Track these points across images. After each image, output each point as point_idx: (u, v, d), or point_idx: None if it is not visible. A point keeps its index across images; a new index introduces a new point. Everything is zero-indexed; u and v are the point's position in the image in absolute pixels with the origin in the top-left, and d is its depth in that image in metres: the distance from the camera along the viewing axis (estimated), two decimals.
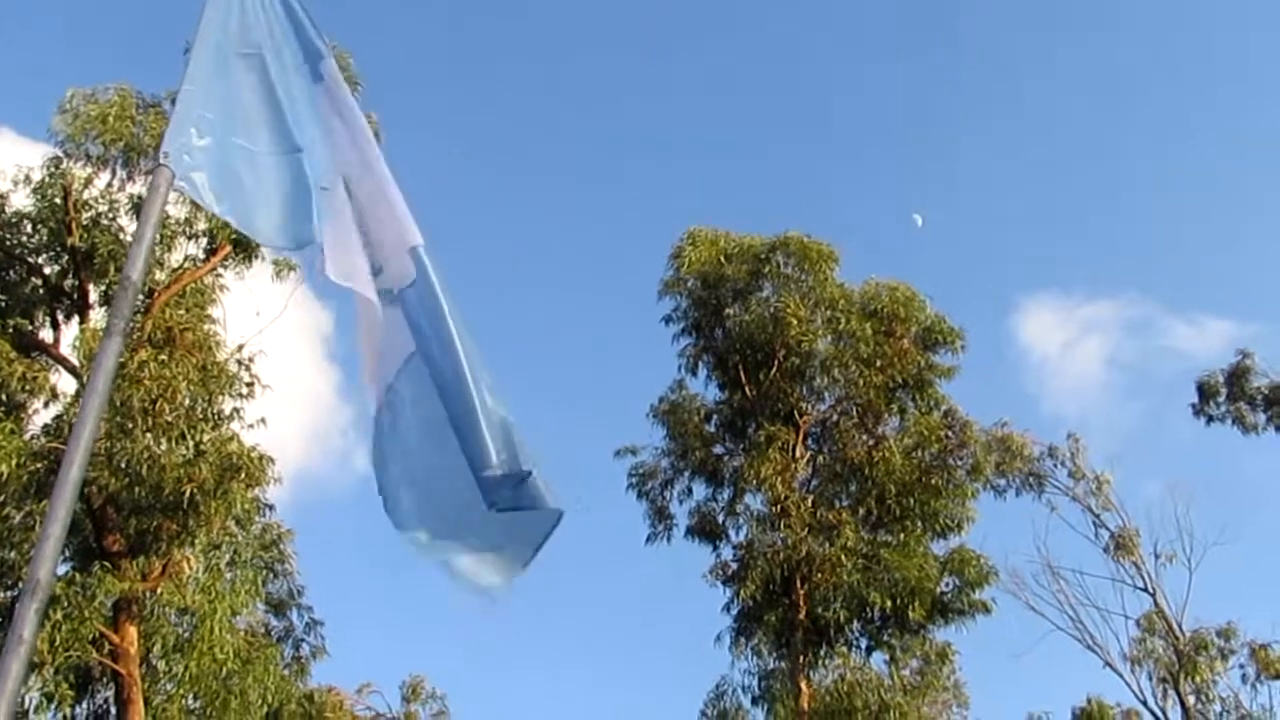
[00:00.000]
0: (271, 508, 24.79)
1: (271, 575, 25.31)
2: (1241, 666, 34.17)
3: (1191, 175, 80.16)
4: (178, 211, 22.11)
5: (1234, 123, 77.87)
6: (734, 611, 24.41)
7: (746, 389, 26.33)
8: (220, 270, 23.25)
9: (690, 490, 26.66)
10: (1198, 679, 33.92)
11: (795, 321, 25.49)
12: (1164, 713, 34.65)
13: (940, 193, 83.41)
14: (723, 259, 26.94)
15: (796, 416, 26.11)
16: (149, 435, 19.59)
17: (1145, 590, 35.87)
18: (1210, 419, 39.46)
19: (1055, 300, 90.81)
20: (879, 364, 25.50)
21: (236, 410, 24.03)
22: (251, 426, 23.87)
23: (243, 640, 20.99)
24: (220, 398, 22.30)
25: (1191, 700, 34.34)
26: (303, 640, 26.08)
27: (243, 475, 22.82)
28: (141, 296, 22.27)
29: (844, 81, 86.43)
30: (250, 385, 22.74)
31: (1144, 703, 35.01)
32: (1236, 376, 39.12)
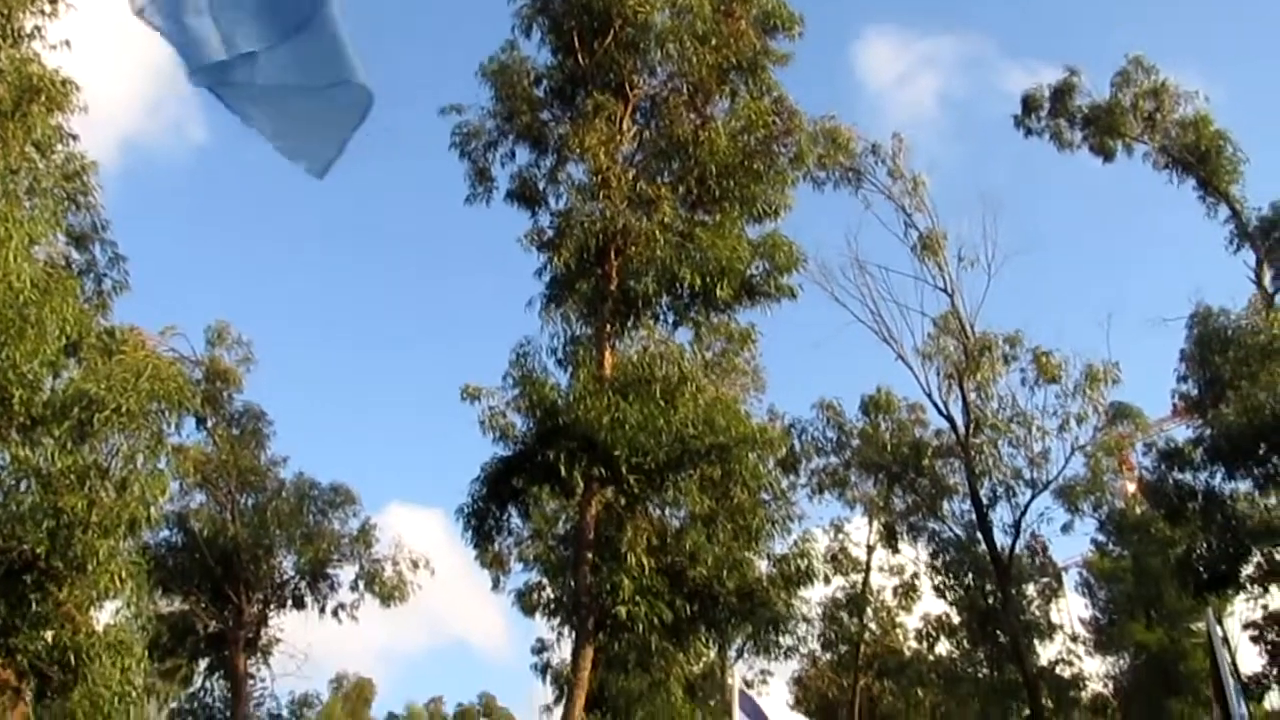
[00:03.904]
0: (75, 137, 23.80)
1: (74, 207, 24.50)
2: (1022, 370, 36.26)
3: None
4: None
5: None
6: (546, 278, 24.59)
7: (580, 56, 25.74)
8: None
9: (513, 154, 26.37)
10: (980, 377, 35.93)
11: None
12: (946, 406, 36.82)
13: None
14: None
15: (627, 89, 25.74)
16: None
17: (945, 291, 37.47)
18: (1030, 132, 40.46)
19: (896, 31, 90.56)
20: (714, 42, 25.10)
21: (38, 29, 22.66)
22: (54, 48, 22.60)
23: (41, 270, 20.34)
24: (20, 14, 20.95)
25: (973, 397, 36.46)
26: (105, 275, 25.56)
27: (43, 98, 21.73)
28: None
29: None
30: (54, 2, 21.38)
31: (929, 396, 37.10)
32: (1062, 93, 39.93)
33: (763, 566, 25.44)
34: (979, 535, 36.81)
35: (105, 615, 19.31)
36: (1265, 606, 29.87)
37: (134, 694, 18.23)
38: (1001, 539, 36.13)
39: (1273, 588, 29.44)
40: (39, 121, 20.72)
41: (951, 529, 39.71)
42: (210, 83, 4.63)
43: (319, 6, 4.43)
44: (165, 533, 35.61)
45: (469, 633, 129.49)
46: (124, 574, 18.36)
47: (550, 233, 24.76)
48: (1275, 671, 29.20)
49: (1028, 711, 36.85)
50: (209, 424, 36.94)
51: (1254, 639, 30.05)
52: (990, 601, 38.49)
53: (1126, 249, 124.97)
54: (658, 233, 23.25)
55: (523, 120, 25.91)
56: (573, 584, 24.77)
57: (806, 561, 25.99)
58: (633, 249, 23.69)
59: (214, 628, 36.69)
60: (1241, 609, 31.71)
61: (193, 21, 4.55)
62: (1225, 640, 21.34)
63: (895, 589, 45.53)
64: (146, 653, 19.16)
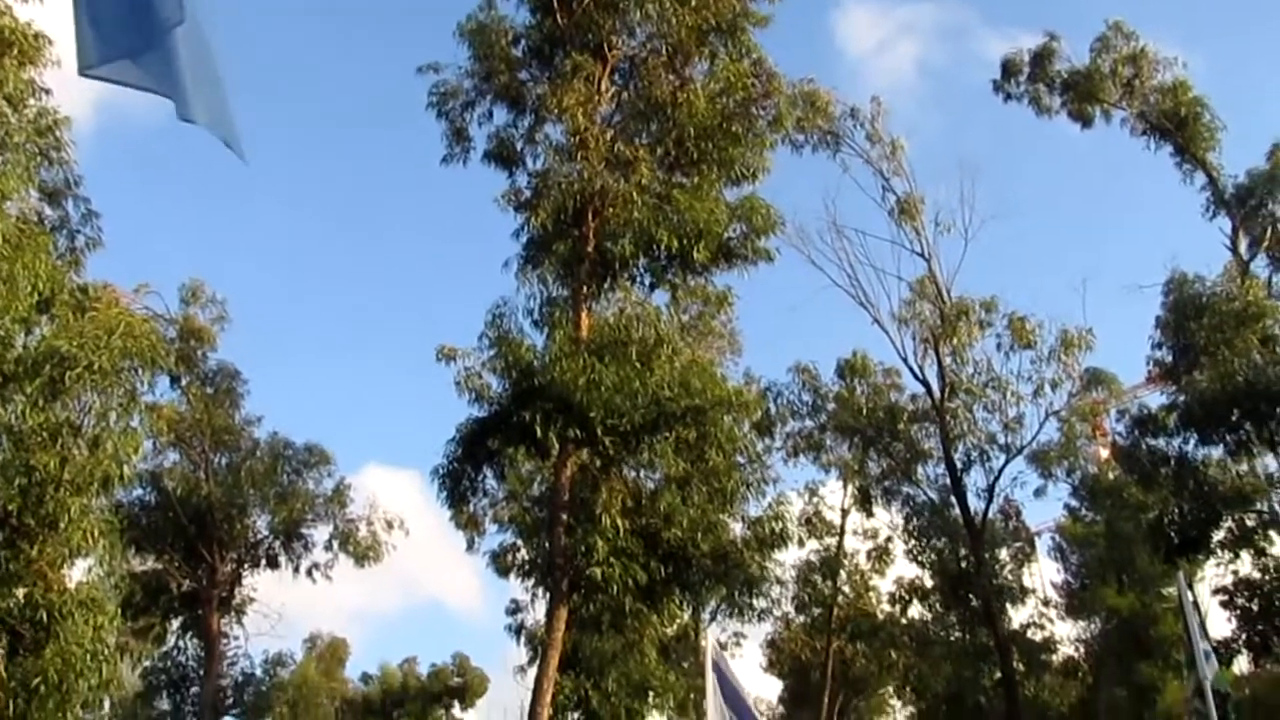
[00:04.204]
0: (48, 92, 23.48)
1: (46, 162, 24.20)
2: (998, 336, 36.31)
3: None
4: None
5: None
6: (524, 239, 24.47)
7: (558, 16, 25.50)
8: None
9: (491, 114, 26.20)
10: (956, 342, 35.96)
11: None
12: (922, 371, 36.86)
13: None
14: None
15: (606, 50, 25.54)
16: None
17: (922, 256, 37.44)
18: (1009, 97, 40.38)
19: None
20: (694, 3, 24.88)
21: None
22: (26, 1, 22.27)
23: (13, 226, 20.11)
24: None
25: (948, 362, 36.50)
26: (78, 232, 25.33)
27: (15, 51, 21.42)
28: None
29: None
30: None
31: (905, 360, 37.13)
32: (1041, 58, 39.85)
33: (737, 529, 25.54)
34: (953, 499, 36.97)
35: (77, 573, 19.25)
36: (1235, 572, 30.15)
37: (106, 652, 18.18)
38: (975, 503, 36.35)
39: (1243, 553, 29.71)
40: (11, 75, 20.43)
41: (925, 493, 39.98)
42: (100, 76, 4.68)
43: (162, 35, 4.47)
44: (138, 491, 35.56)
45: (443, 594, 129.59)
46: (96, 532, 18.29)
47: (527, 193, 24.61)
48: (1245, 636, 29.49)
49: (999, 674, 37.11)
50: (183, 382, 36.82)
51: (1224, 604, 30.32)
52: (963, 565, 38.73)
53: (1103, 215, 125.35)
54: (635, 194, 23.12)
55: (500, 80, 25.72)
56: (547, 545, 24.82)
57: (781, 524, 26.04)
58: (610, 210, 23.56)
59: (187, 587, 36.69)
60: (1212, 574, 32.01)
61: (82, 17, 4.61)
62: (1195, 605, 21.52)
63: (869, 552, 45.80)
64: (119, 611, 19.09)
